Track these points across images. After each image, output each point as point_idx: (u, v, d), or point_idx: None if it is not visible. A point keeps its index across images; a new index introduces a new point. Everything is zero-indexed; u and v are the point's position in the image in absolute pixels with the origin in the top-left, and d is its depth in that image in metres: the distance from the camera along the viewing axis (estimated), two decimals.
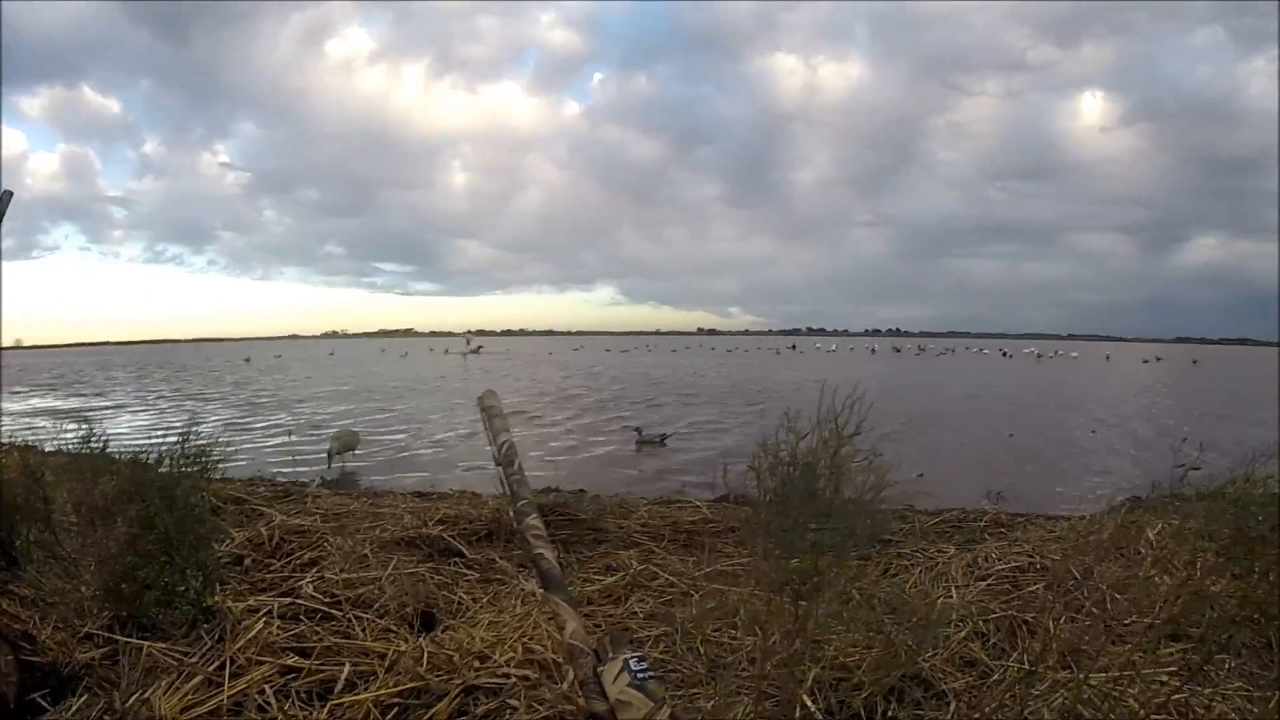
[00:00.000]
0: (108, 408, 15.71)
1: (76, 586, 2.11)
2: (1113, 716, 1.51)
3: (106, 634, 1.94)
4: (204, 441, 2.31)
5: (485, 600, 2.40)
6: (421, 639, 1.98)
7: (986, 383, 23.48)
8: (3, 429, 6.81)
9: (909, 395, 18.09)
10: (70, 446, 2.48)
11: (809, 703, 1.63)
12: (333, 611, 2.21)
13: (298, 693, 1.75)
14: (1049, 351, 49.74)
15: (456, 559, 2.83)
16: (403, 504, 3.81)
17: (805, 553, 1.38)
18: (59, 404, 16.56)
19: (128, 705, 1.68)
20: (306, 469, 7.30)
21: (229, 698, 1.71)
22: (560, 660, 1.81)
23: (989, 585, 2.46)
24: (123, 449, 2.49)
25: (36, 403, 16.46)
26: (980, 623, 2.09)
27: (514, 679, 1.77)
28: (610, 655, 1.35)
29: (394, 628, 2.12)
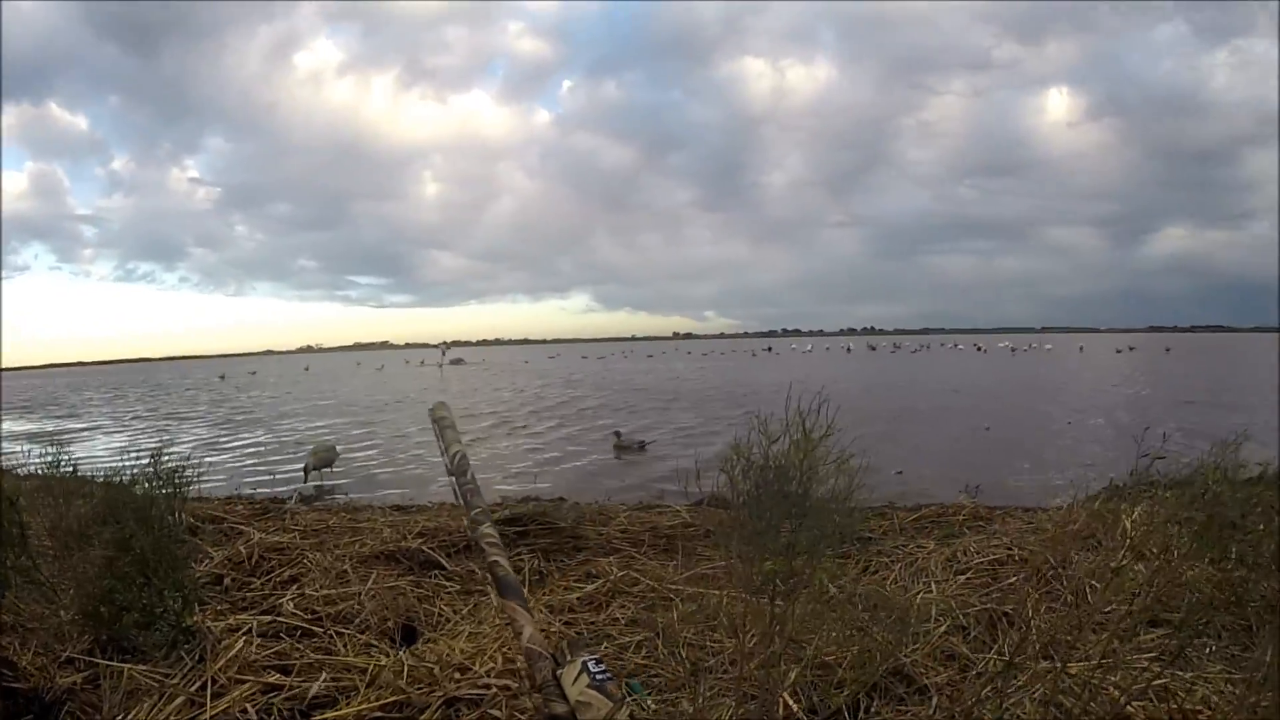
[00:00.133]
0: (82, 429, 15.42)
1: (55, 611, 2.08)
2: (1094, 705, 1.52)
3: (87, 658, 1.92)
4: (177, 461, 2.29)
5: (465, 611, 2.39)
6: (402, 652, 1.98)
7: (962, 378, 23.63)
8: None
9: (885, 393, 18.24)
10: (41, 470, 2.45)
11: (790, 702, 1.64)
12: (313, 628, 2.20)
13: (280, 710, 1.75)
14: (1023, 345, 50.32)
15: (437, 571, 2.82)
16: (382, 518, 3.78)
17: (779, 554, 1.40)
18: (31, 427, 16.24)
19: None
20: (284, 486, 7.21)
21: (211, 717, 1.71)
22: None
23: (968, 579, 2.49)
24: (96, 471, 2.46)
25: (10, 426, 16.12)
26: (960, 616, 2.10)
27: (494, 689, 1.77)
28: (569, 658, 1.37)
29: (375, 642, 2.12)
